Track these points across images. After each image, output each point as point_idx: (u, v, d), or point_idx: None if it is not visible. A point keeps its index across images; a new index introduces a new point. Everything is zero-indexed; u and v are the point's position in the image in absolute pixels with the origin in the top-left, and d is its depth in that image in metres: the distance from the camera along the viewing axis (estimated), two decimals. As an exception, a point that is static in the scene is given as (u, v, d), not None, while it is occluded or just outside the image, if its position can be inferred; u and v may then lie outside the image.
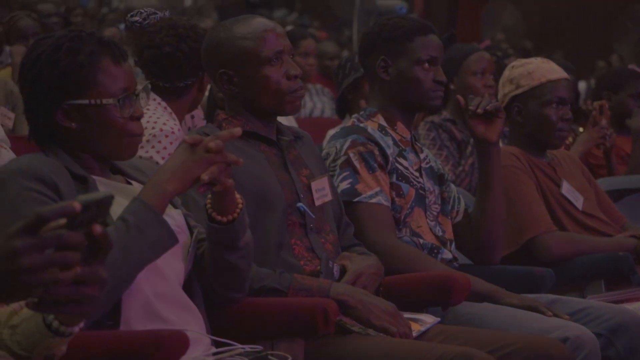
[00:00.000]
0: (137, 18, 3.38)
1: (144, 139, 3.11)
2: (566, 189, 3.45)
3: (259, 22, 2.60)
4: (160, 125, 3.13)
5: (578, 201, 3.46)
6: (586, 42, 14.01)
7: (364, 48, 3.07)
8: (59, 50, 2.13)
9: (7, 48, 5.93)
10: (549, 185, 3.44)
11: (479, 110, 3.00)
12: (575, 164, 3.65)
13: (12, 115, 3.72)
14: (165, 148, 3.14)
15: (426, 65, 2.98)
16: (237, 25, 2.59)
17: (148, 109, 3.19)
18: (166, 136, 3.12)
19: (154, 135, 3.11)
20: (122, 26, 7.34)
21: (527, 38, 14.21)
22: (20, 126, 4.13)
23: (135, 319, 2.10)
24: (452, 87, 4.25)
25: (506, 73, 3.52)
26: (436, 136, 4.31)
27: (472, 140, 4.26)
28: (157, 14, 3.36)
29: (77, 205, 1.28)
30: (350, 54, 5.22)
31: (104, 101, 2.14)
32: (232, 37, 2.58)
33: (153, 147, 3.09)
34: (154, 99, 3.24)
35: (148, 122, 3.14)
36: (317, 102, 6.46)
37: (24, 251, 1.27)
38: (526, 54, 11.08)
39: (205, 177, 2.06)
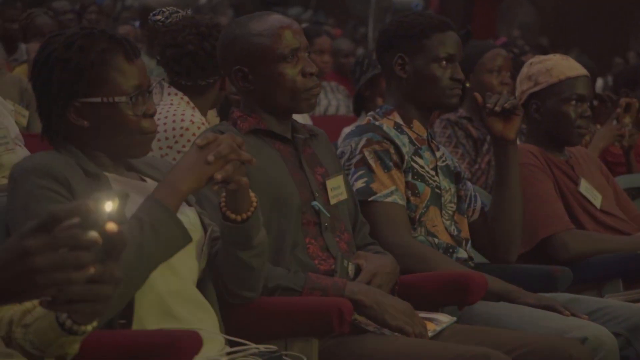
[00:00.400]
0: (159, 17, 3.38)
1: (177, 133, 3.12)
2: (584, 187, 3.42)
3: (275, 19, 2.57)
4: (189, 117, 3.16)
5: (596, 199, 3.43)
6: (602, 39, 13.93)
7: (381, 45, 3.04)
8: (70, 48, 2.11)
9: (23, 45, 5.94)
10: (566, 183, 3.41)
11: (497, 108, 2.96)
12: (593, 162, 3.61)
13: (26, 112, 3.71)
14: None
15: (443, 62, 2.95)
16: (253, 22, 2.57)
17: (172, 104, 3.20)
18: (198, 127, 3.16)
19: (187, 129, 3.13)
20: (136, 24, 7.34)
21: (543, 35, 14.14)
22: (35, 124, 4.12)
23: (149, 317, 2.09)
24: (467, 84, 4.21)
25: (524, 70, 3.48)
26: (452, 134, 4.28)
27: (488, 137, 4.23)
28: (179, 12, 3.35)
29: (91, 204, 1.27)
30: (367, 51, 5.18)
31: (116, 99, 2.12)
32: (247, 33, 2.55)
33: (189, 140, 3.11)
34: (176, 94, 3.25)
35: (175, 114, 3.16)
36: (332, 99, 6.44)
37: (38, 251, 1.25)
38: (542, 51, 11.02)
39: (218, 176, 2.05)
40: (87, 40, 2.12)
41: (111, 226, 1.29)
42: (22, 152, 3.31)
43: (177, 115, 3.16)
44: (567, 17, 15.11)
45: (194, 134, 3.13)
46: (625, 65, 11.15)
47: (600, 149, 4.13)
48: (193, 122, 3.15)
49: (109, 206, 1.29)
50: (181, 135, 3.14)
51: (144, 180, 2.26)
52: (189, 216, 2.19)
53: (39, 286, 1.26)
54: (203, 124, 3.18)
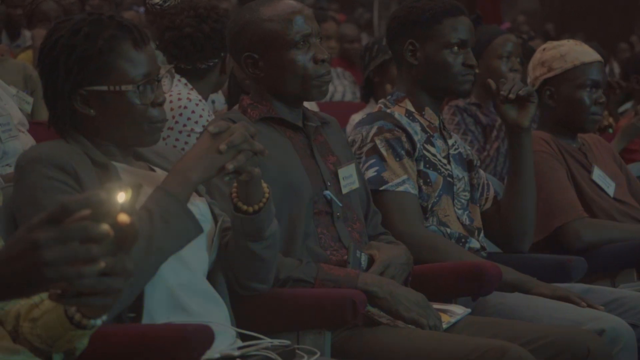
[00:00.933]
0: (157, 0, 3.34)
1: (176, 113, 3.09)
2: (597, 175, 3.37)
3: (286, 4, 2.52)
4: (185, 96, 3.12)
5: (609, 187, 3.38)
6: (606, 24, 13.84)
7: (391, 31, 2.98)
8: (76, 35, 2.06)
9: (26, 31, 5.87)
10: (579, 171, 3.36)
11: (511, 96, 2.91)
12: (606, 149, 3.56)
13: (30, 99, 3.66)
14: (201, 116, 3.13)
15: (455, 48, 2.89)
16: (264, 7, 2.51)
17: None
18: (196, 104, 3.13)
19: (185, 107, 3.10)
20: (140, 9, 7.27)
21: (547, 21, 14.05)
22: (39, 111, 4.07)
23: (158, 310, 2.04)
24: (477, 70, 4.14)
25: (537, 56, 3.43)
26: (460, 120, 4.23)
27: (497, 124, 4.18)
28: None
29: (102, 195, 1.23)
30: (377, 37, 5.11)
31: (123, 87, 2.06)
32: (258, 19, 2.50)
33: (189, 119, 3.08)
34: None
35: (171, 96, 3.13)
36: (338, 85, 6.38)
37: (47, 243, 1.21)
38: (548, 37, 10.95)
39: (230, 166, 2.00)
40: (95, 27, 2.06)
41: (123, 217, 1.25)
42: (25, 139, 3.26)
43: (173, 96, 3.14)
44: (571, 3, 15.01)
45: (192, 112, 3.10)
46: (631, 50, 11.08)
47: (623, 146, 4.08)
48: (190, 100, 3.12)
49: (122, 197, 1.26)
50: (180, 115, 3.11)
51: (153, 170, 2.21)
52: (199, 207, 2.14)
53: (49, 280, 1.23)
54: (200, 100, 3.15)
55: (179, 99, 3.13)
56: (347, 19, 9.42)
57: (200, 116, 3.13)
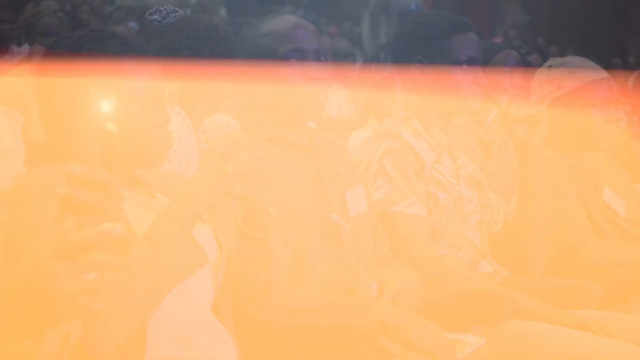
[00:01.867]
0: (156, 16, 3.22)
1: None
2: (608, 194, 3.27)
3: (287, 20, 2.43)
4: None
5: (620, 207, 3.28)
6: (598, 39, 13.83)
7: (397, 47, 2.88)
8: (78, 52, 1.95)
9: (14, 47, 5.76)
10: (589, 190, 3.27)
11: (521, 114, 2.82)
12: (614, 168, 3.47)
13: (21, 119, 3.54)
14: (184, 156, 2.97)
15: (464, 65, 2.80)
16: (264, 23, 2.43)
17: None
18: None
19: None
20: (131, 24, 7.17)
21: (538, 35, 14.04)
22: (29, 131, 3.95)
23: (162, 345, 1.93)
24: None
25: (544, 73, 3.34)
26: (461, 138, 4.14)
27: (497, 142, 4.10)
28: (177, 12, 3.19)
29: (118, 230, 1.19)
30: (376, 52, 5.02)
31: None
32: (255, 34, 2.41)
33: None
34: None
35: None
36: (334, 102, 6.27)
37: (59, 277, 1.17)
38: (541, 51, 10.92)
39: (237, 189, 1.89)
40: (97, 44, 1.96)
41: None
42: (13, 166, 3.12)
43: None
44: (561, 17, 15.01)
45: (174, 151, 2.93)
46: (624, 66, 11.05)
47: None
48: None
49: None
50: None
51: (154, 196, 2.10)
52: (204, 234, 2.03)
53: (62, 315, 1.18)
54: (188, 139, 2.98)
55: None
56: (338, 33, 9.36)
57: (183, 156, 2.96)
